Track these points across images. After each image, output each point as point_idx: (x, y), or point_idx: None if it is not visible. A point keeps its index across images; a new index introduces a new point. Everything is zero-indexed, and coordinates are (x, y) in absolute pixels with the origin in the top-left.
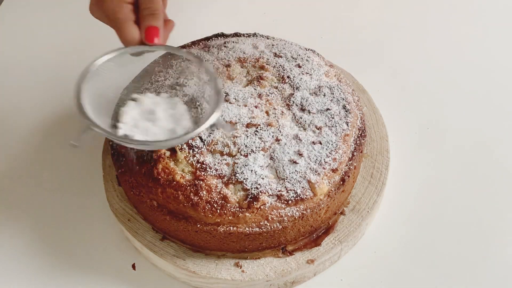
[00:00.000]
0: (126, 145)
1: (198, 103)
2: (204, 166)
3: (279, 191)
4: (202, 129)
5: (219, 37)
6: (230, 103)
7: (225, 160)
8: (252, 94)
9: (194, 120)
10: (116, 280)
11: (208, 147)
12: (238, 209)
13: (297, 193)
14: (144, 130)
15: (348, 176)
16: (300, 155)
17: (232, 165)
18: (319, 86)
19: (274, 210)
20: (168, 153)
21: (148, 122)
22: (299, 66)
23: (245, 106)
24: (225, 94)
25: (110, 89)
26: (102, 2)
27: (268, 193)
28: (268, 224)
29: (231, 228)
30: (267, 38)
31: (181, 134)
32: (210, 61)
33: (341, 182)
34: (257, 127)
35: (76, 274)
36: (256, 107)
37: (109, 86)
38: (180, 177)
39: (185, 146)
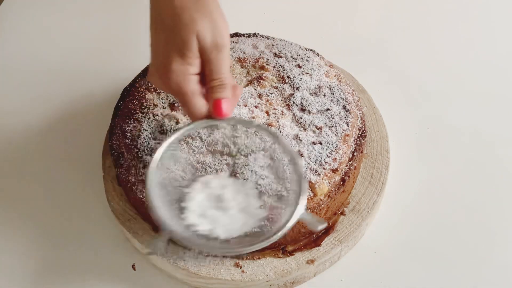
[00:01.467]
0: (203, 249)
1: (272, 189)
2: (204, 166)
3: (279, 191)
4: (288, 228)
5: None
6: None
7: (225, 160)
8: (252, 94)
9: (267, 206)
10: (116, 280)
11: (208, 147)
12: None
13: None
14: (212, 220)
15: (348, 177)
16: (300, 155)
17: (232, 165)
18: (319, 86)
19: (274, 210)
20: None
21: (217, 211)
22: (299, 66)
23: (245, 106)
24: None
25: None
26: (166, 73)
27: (268, 193)
28: (268, 224)
29: None
30: (267, 38)
31: (263, 238)
32: None
33: (341, 183)
34: None
35: (76, 274)
36: (256, 107)
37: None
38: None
39: (185, 146)
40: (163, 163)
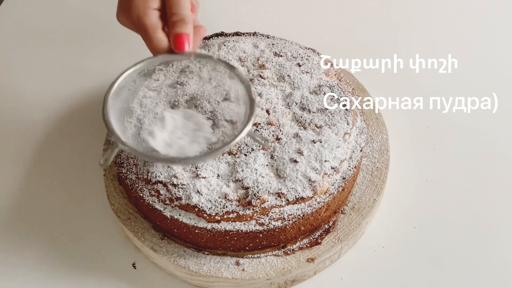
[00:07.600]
0: (158, 162)
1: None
2: (205, 164)
3: (280, 189)
4: (239, 138)
5: (219, 36)
6: (230, 101)
7: (226, 158)
8: None
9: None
10: (116, 279)
11: (208, 146)
12: (238, 207)
13: (297, 191)
14: (178, 148)
15: (348, 175)
16: (301, 153)
17: (233, 163)
18: (319, 85)
19: (274, 209)
20: None
21: (178, 140)
22: (299, 65)
23: None
24: (225, 93)
25: (135, 102)
26: (128, 9)
27: (269, 191)
28: (269, 223)
29: (232, 226)
30: (267, 37)
31: (216, 148)
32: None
33: (341, 181)
34: (257, 126)
35: (76, 273)
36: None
37: (133, 99)
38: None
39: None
40: (123, 93)
